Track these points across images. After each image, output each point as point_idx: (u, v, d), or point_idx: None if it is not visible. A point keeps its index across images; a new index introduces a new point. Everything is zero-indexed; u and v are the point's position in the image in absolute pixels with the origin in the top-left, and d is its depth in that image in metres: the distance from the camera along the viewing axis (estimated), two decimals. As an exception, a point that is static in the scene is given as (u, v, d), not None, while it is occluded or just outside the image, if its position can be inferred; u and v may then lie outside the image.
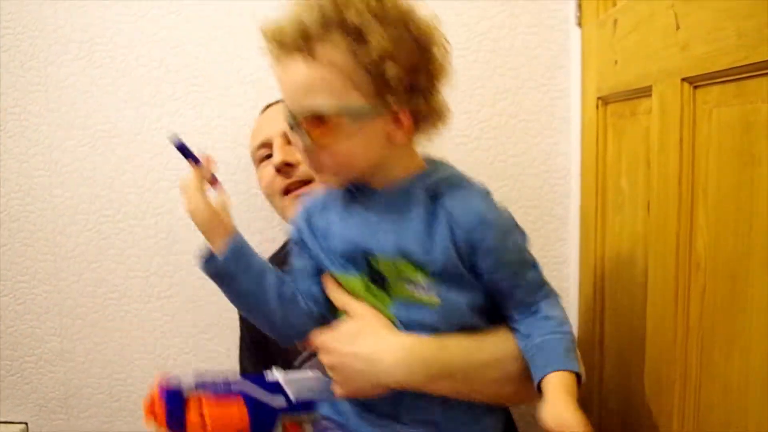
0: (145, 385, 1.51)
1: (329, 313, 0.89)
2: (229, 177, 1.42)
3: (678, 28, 0.83)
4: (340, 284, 0.86)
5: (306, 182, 1.13)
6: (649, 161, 0.98)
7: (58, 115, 1.43)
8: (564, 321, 0.83)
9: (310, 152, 0.78)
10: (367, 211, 0.83)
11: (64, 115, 1.43)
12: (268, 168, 1.17)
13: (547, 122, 1.38)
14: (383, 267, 0.81)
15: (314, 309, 0.89)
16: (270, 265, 0.90)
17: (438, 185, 0.81)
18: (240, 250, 0.87)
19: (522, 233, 0.84)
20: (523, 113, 1.38)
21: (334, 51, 0.73)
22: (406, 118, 0.77)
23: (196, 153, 0.90)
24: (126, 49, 1.41)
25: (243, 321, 1.26)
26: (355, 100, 0.74)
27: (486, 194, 0.83)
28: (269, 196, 1.22)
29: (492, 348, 0.83)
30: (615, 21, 1.09)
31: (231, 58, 1.39)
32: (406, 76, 0.74)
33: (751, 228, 0.71)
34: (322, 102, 0.74)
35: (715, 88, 0.77)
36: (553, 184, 1.40)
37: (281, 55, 0.76)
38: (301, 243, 0.90)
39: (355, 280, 0.83)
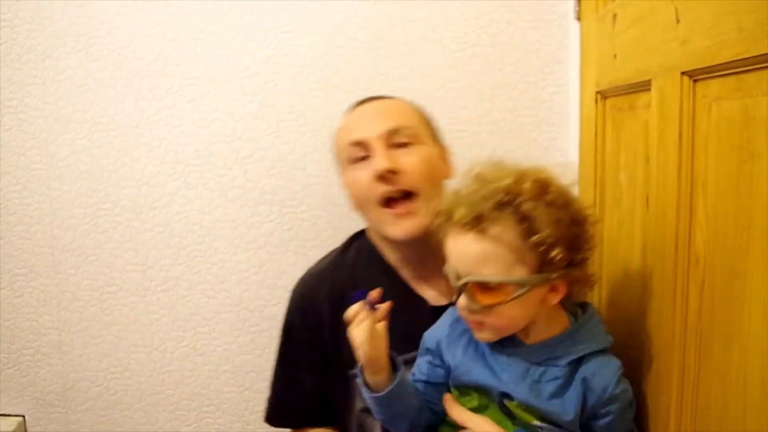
0: (143, 378, 1.53)
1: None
2: (226, 171, 1.42)
3: (678, 22, 0.82)
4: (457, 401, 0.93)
5: (408, 193, 1.04)
6: (648, 156, 0.97)
7: (56, 108, 1.43)
8: None
9: (472, 312, 0.85)
10: (510, 359, 0.89)
11: (62, 109, 1.43)
12: (363, 172, 1.05)
13: (545, 117, 1.38)
14: (514, 408, 0.87)
15: (431, 414, 0.96)
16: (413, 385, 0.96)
17: (580, 352, 0.88)
18: (402, 382, 0.93)
19: (633, 402, 0.91)
20: (521, 108, 1.38)
21: (505, 231, 0.81)
22: (561, 286, 0.85)
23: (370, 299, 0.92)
24: (123, 43, 1.41)
25: (286, 337, 1.19)
26: (520, 273, 0.81)
27: (619, 367, 0.89)
28: (361, 202, 1.09)
29: None
30: (614, 15, 1.09)
31: (228, 52, 1.39)
32: (568, 253, 0.82)
33: (750, 223, 0.70)
34: (490, 273, 0.81)
35: (715, 82, 0.77)
36: (551, 179, 1.40)
37: (456, 230, 0.84)
38: (435, 353, 0.96)
39: (491, 408, 0.90)
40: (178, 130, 1.42)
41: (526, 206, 0.80)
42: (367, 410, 1.06)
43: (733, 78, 0.73)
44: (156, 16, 1.39)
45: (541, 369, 0.87)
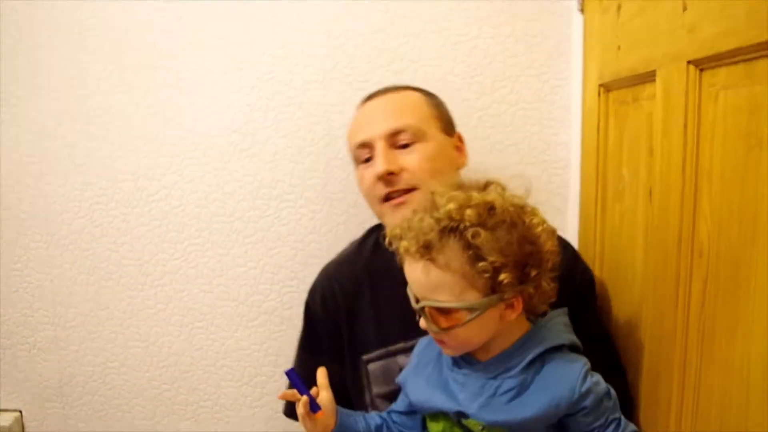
0: (140, 373, 1.51)
1: None
2: (223, 165, 1.41)
3: (685, 9, 0.81)
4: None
5: (408, 190, 1.07)
6: (651, 148, 0.96)
7: (49, 101, 1.41)
8: None
9: (434, 333, 0.88)
10: (467, 378, 0.91)
11: (55, 101, 1.41)
12: (369, 171, 1.10)
13: (547, 111, 1.37)
14: (473, 426, 0.88)
15: None
16: (371, 429, 0.99)
17: (533, 354, 0.88)
18: None
19: (609, 393, 0.89)
20: (522, 102, 1.36)
21: (453, 259, 0.82)
22: (518, 303, 0.86)
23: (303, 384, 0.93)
24: (118, 34, 1.38)
25: (308, 323, 1.22)
26: (472, 297, 0.83)
27: (583, 365, 0.88)
28: (367, 199, 1.15)
29: None
30: (619, 6, 1.07)
31: (225, 44, 1.37)
32: (518, 273, 0.83)
33: (756, 212, 0.69)
34: (443, 298, 0.83)
35: (723, 71, 0.75)
36: (552, 174, 1.38)
37: (408, 257, 0.87)
38: (403, 388, 1.00)
39: (456, 429, 0.92)
40: (174, 122, 1.40)
41: (470, 233, 0.81)
42: (381, 396, 1.08)
43: (741, 66, 0.72)
44: (151, 7, 1.37)
45: (497, 383, 0.88)
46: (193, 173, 1.41)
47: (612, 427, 0.87)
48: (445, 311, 0.84)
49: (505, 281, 0.81)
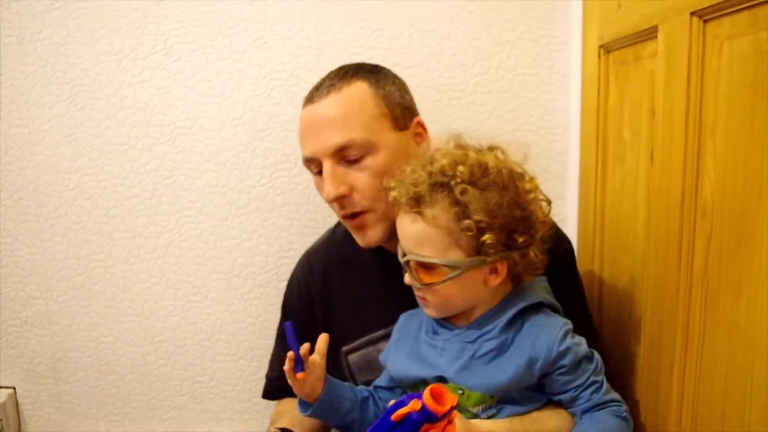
0: (134, 348, 1.49)
1: None
2: (215, 134, 1.38)
3: (687, -43, 0.78)
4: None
5: (362, 212, 1.01)
6: (653, 108, 0.94)
7: (35, 69, 1.37)
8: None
9: (417, 289, 0.89)
10: (446, 343, 0.90)
11: (41, 69, 1.37)
12: (322, 187, 1.02)
13: (545, 76, 1.33)
14: (452, 390, 0.85)
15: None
16: (357, 400, 0.96)
17: (510, 312, 0.87)
18: (325, 403, 0.92)
19: (592, 356, 0.89)
20: (520, 67, 1.33)
21: (441, 214, 0.82)
22: (502, 268, 0.86)
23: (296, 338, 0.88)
24: (105, 1, 1.34)
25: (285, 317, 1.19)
26: (455, 256, 0.83)
27: (563, 325, 0.87)
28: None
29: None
30: (618, -38, 1.04)
31: (214, 9, 1.33)
32: (504, 237, 0.83)
33: (762, 163, 0.67)
34: (427, 253, 0.84)
35: (727, 20, 0.73)
36: (551, 140, 1.36)
37: (398, 209, 0.87)
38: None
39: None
40: (164, 91, 1.36)
41: (458, 189, 0.82)
42: (366, 384, 1.06)
43: (745, 13, 0.69)
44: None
45: (476, 346, 0.87)
46: (184, 143, 1.38)
47: (592, 389, 0.86)
48: (427, 267, 0.84)
49: (489, 242, 0.81)
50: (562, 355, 0.84)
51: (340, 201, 1.00)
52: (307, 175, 1.36)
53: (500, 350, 0.86)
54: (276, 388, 1.18)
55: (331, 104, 0.98)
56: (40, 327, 1.50)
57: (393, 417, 0.71)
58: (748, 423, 0.73)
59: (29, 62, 1.37)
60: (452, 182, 0.82)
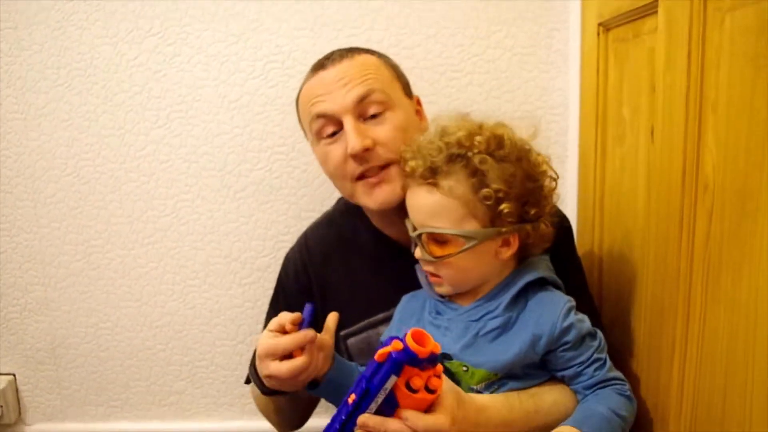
0: (133, 333, 1.49)
1: None
2: (212, 117, 1.37)
3: (688, -72, 0.76)
4: None
5: (383, 166, 0.97)
6: (653, 84, 0.93)
7: (30, 53, 1.36)
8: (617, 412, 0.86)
9: (428, 263, 0.88)
10: (450, 322, 0.90)
11: (37, 54, 1.36)
12: (337, 148, 0.99)
13: (544, 55, 1.32)
14: (456, 368, 0.87)
15: None
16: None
17: (521, 290, 0.88)
18: (332, 382, 0.91)
19: (596, 333, 0.89)
20: (518, 46, 1.32)
21: (456, 185, 0.83)
22: (514, 240, 0.87)
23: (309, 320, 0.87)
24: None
25: (280, 299, 1.17)
26: (470, 226, 0.84)
27: (566, 302, 0.87)
28: (335, 177, 1.04)
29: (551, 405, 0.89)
30: (618, -63, 1.03)
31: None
32: (518, 208, 0.84)
33: (764, 138, 0.66)
34: (442, 226, 0.84)
35: (729, -9, 0.71)
36: (549, 120, 1.35)
37: (411, 181, 0.87)
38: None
39: None
40: (160, 74, 1.35)
41: (477, 159, 0.83)
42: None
43: (748, -17, 0.68)
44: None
45: (480, 324, 0.87)
46: (181, 126, 1.37)
47: (595, 365, 0.86)
48: (442, 239, 0.84)
49: (506, 211, 0.82)
50: (566, 331, 0.84)
51: (363, 155, 0.96)
52: (305, 158, 1.37)
53: (504, 328, 0.86)
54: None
55: (346, 66, 0.99)
56: (39, 313, 1.49)
57: (376, 357, 0.71)
58: (750, 401, 0.72)
59: (25, 47, 1.36)
60: (469, 153, 0.83)
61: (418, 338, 0.71)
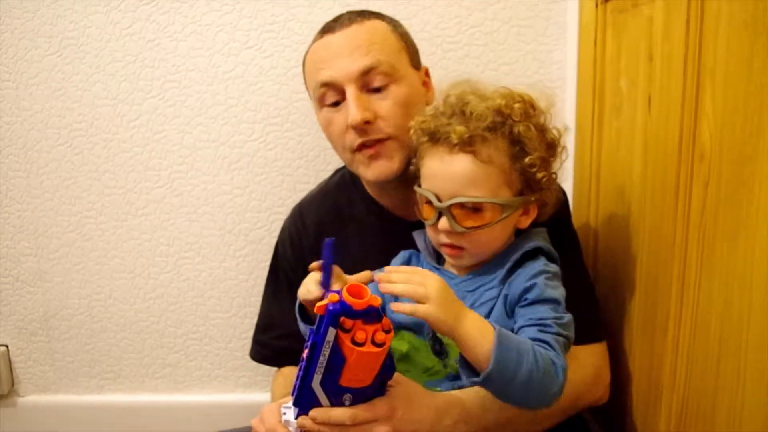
0: (127, 305, 1.49)
1: None
2: (205, 88, 1.35)
3: None
4: None
5: (382, 140, 0.98)
6: (651, 54, 0.92)
7: (21, 22, 1.34)
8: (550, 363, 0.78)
9: (453, 235, 0.84)
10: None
11: (28, 23, 1.34)
12: (338, 118, 0.99)
13: (542, 27, 1.31)
14: (447, 341, 0.86)
15: None
16: None
17: (517, 262, 0.86)
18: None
19: (561, 309, 0.83)
20: (516, 18, 1.31)
21: (497, 153, 0.82)
22: (533, 209, 0.88)
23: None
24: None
25: (277, 268, 1.16)
26: (505, 194, 0.84)
27: (542, 265, 0.85)
28: (335, 144, 1.05)
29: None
30: None
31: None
32: (549, 176, 0.85)
33: (762, 103, 0.65)
34: (477, 194, 0.82)
35: (729, -45, 0.71)
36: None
37: (443, 150, 0.84)
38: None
39: (423, 350, 0.89)
40: (153, 43, 1.34)
41: (518, 128, 0.82)
42: None
43: (749, -54, 0.67)
44: None
45: (476, 296, 0.86)
46: (174, 97, 1.36)
47: (540, 328, 0.78)
48: (476, 208, 0.82)
49: (543, 180, 0.83)
50: (528, 289, 0.81)
51: (363, 127, 0.96)
52: (300, 130, 1.36)
53: (498, 299, 0.85)
54: (264, 356, 1.17)
55: (354, 32, 0.98)
56: (31, 284, 1.49)
57: (315, 310, 0.72)
58: (744, 371, 0.73)
59: (16, 15, 1.34)
60: (509, 120, 0.82)
61: (355, 291, 0.71)
